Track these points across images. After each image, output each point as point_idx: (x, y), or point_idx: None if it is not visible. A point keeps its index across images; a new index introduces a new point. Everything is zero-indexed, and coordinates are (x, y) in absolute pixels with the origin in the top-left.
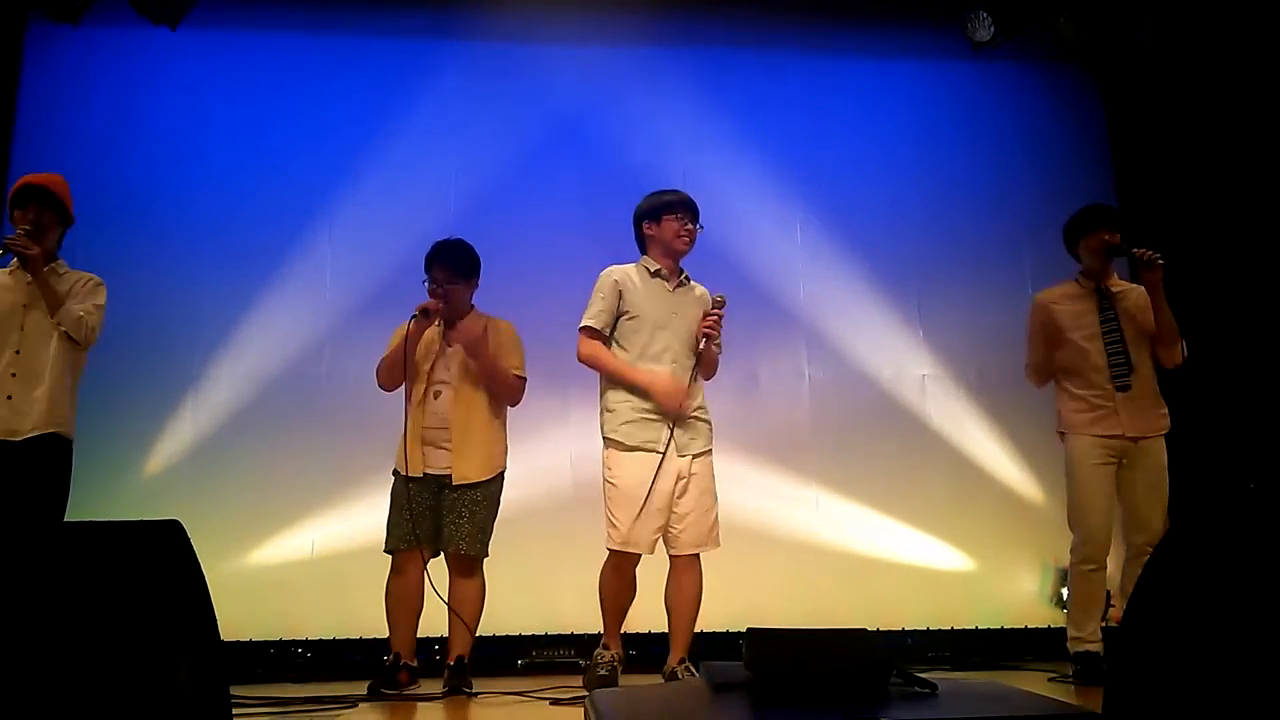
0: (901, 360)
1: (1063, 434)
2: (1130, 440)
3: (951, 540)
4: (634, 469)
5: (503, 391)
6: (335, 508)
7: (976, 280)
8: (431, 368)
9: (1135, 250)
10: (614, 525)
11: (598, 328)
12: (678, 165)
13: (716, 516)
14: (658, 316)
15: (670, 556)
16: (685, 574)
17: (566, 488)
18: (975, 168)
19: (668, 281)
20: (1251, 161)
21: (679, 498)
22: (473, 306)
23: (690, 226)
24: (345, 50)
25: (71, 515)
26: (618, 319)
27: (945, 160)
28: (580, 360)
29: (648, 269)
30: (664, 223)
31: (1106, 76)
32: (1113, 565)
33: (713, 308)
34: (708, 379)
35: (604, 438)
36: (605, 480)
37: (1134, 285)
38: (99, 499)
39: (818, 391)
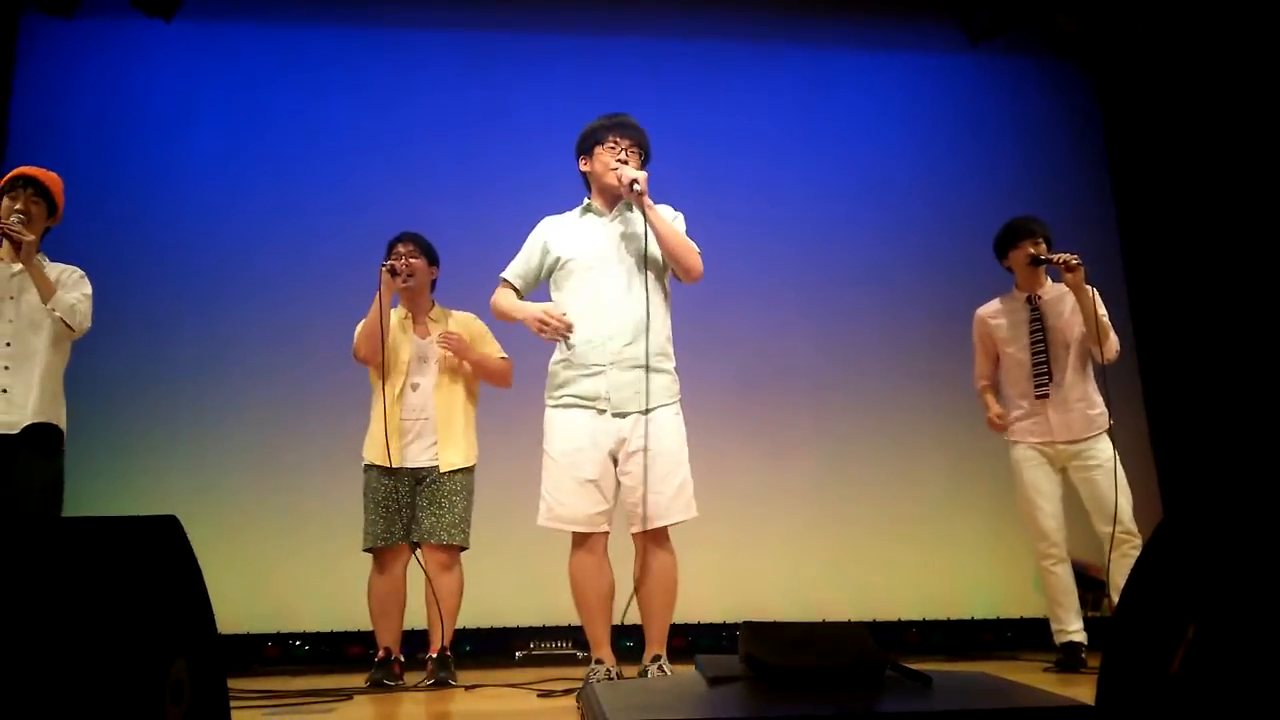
0: (897, 352)
1: (1008, 440)
2: (1064, 444)
3: (947, 531)
4: (566, 431)
5: (495, 378)
6: (332, 500)
7: (972, 273)
8: (408, 362)
9: (1054, 257)
10: (542, 497)
11: (508, 278)
12: (674, 157)
13: (685, 481)
14: (594, 254)
15: (632, 535)
16: (649, 557)
17: None
18: (971, 161)
19: (602, 216)
20: (1247, 157)
21: (626, 465)
22: (434, 302)
23: (626, 155)
24: (340, 42)
25: (69, 511)
26: (554, 268)
27: (941, 153)
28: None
29: (582, 209)
30: (596, 155)
31: (1103, 71)
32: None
33: (629, 188)
34: (689, 272)
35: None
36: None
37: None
38: (96, 495)
39: (814, 384)
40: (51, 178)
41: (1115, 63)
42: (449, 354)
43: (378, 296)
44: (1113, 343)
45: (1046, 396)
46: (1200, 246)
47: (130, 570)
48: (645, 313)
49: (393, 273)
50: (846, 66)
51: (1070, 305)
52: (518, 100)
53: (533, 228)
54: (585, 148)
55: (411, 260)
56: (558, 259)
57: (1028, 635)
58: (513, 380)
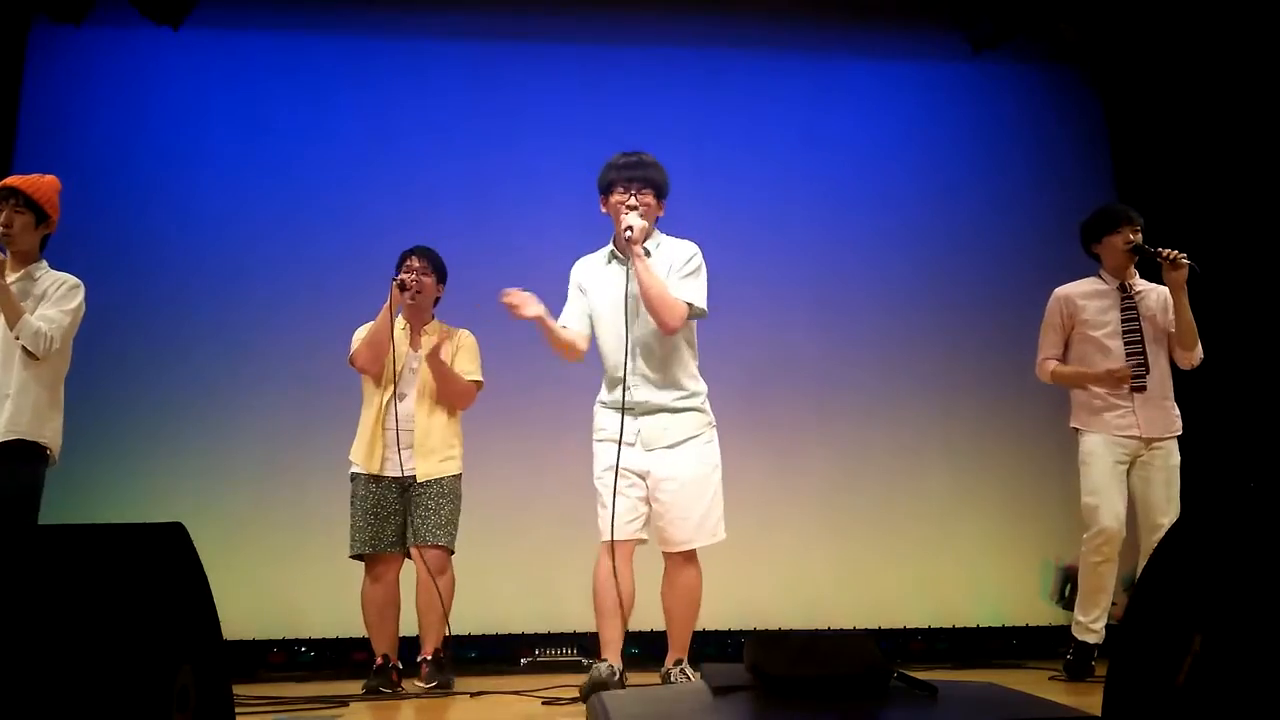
0: (902, 358)
1: (1076, 429)
2: (1144, 441)
3: (953, 538)
4: (603, 457)
5: (455, 399)
6: (338, 506)
7: (976, 279)
8: (399, 372)
9: (1161, 251)
10: (600, 515)
11: (565, 324)
12: (678, 165)
13: (709, 508)
14: (616, 300)
15: (663, 552)
16: (676, 572)
17: (568, 485)
18: (975, 169)
19: (625, 264)
20: (1252, 162)
21: (656, 493)
22: (433, 315)
23: (635, 199)
24: (347, 50)
25: (75, 519)
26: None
27: (945, 161)
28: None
29: (608, 255)
30: (610, 201)
31: (1106, 78)
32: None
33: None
34: (662, 326)
35: None
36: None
37: (1154, 285)
38: (102, 502)
39: (819, 392)
40: (38, 184)
41: (1119, 69)
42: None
43: (385, 309)
44: (1199, 350)
45: (1144, 389)
46: (1206, 252)
47: (136, 577)
48: (666, 357)
49: (402, 288)
50: (850, 75)
51: (1157, 301)
52: (524, 109)
53: (537, 236)
54: (602, 191)
55: (423, 278)
56: (591, 306)
57: (1033, 643)
58: (472, 404)
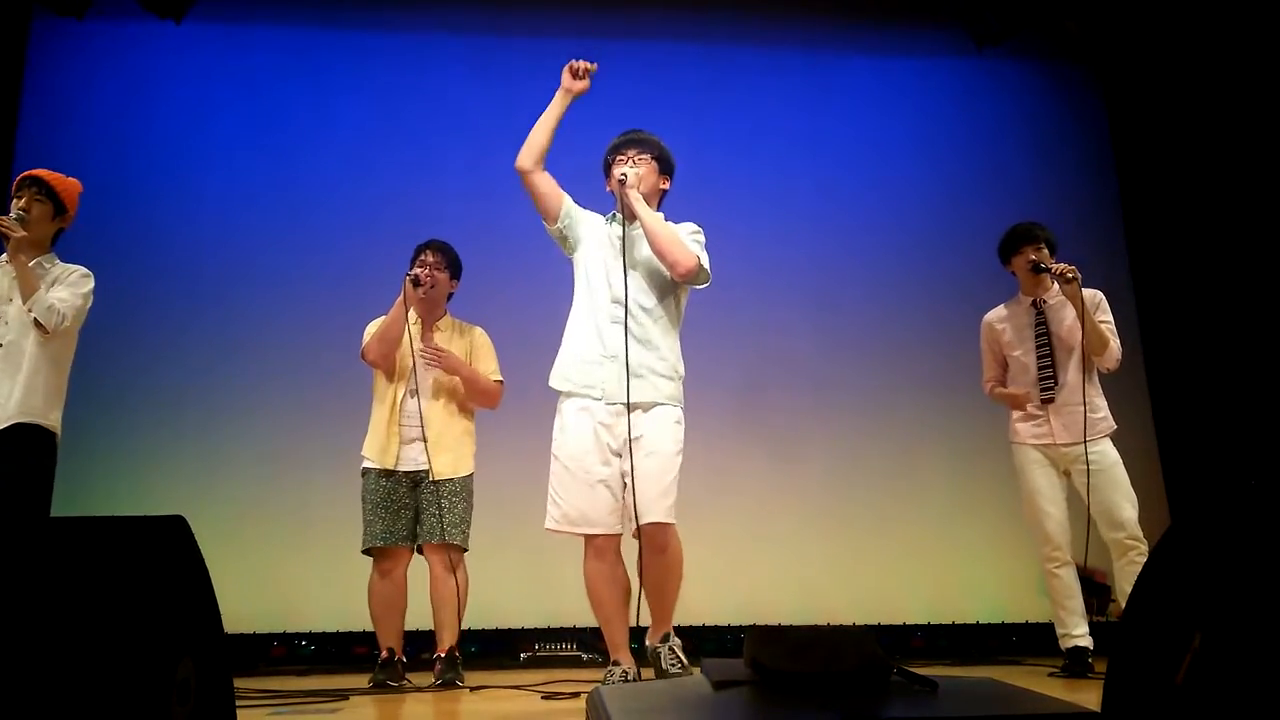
0: (902, 356)
1: (1012, 444)
2: (1066, 447)
3: (952, 535)
4: (572, 431)
5: (482, 399)
6: (339, 501)
7: (977, 278)
8: (412, 367)
9: (1053, 267)
10: (551, 500)
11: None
12: (681, 162)
13: (672, 484)
14: (608, 256)
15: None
16: (648, 547)
17: None
18: (977, 165)
19: (621, 225)
20: (1254, 161)
21: (622, 459)
22: (446, 311)
23: (635, 163)
24: (349, 44)
25: (77, 511)
26: (566, 238)
27: (947, 158)
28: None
29: (610, 216)
30: (613, 173)
31: (1110, 75)
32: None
33: (620, 183)
34: (674, 266)
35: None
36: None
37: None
38: (105, 495)
39: (819, 388)
40: (64, 181)
41: (1122, 67)
42: (449, 371)
43: (399, 303)
44: (1113, 351)
45: (1052, 400)
46: (1207, 251)
47: (138, 570)
48: (642, 315)
49: (415, 283)
50: (852, 71)
51: (1072, 312)
52: (528, 103)
53: (535, 233)
54: (605, 169)
55: (436, 273)
56: (573, 238)
57: (1033, 640)
58: (499, 403)
